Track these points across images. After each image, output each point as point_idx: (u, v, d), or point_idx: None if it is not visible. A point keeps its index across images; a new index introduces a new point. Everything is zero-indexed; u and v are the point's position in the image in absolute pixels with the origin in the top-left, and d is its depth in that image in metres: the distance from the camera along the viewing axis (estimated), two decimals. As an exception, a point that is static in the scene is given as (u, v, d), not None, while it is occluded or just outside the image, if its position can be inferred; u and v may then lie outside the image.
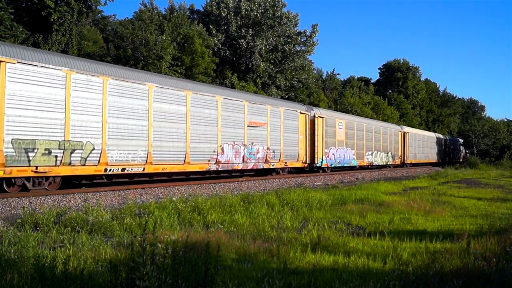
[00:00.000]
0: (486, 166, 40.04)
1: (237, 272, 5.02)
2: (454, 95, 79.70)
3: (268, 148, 18.66)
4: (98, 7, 24.09)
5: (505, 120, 63.56)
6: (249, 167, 17.76)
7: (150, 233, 4.15)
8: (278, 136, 19.56)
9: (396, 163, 34.30)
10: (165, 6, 35.05)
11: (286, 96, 35.56)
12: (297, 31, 35.69)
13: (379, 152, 30.70)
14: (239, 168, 17.21)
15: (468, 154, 56.34)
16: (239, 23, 32.82)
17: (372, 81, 65.06)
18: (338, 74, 77.12)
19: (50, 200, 10.56)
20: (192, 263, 4.04)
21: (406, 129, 37.66)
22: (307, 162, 21.67)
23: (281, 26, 33.92)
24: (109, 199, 11.38)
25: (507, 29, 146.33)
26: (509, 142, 52.40)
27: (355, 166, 27.77)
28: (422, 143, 40.81)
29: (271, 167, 19.05)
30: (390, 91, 62.60)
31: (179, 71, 25.97)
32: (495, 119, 71.53)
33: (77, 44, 24.58)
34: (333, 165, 23.94)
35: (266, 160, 18.48)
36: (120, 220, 7.82)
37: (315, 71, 45.73)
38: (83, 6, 21.12)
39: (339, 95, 48.62)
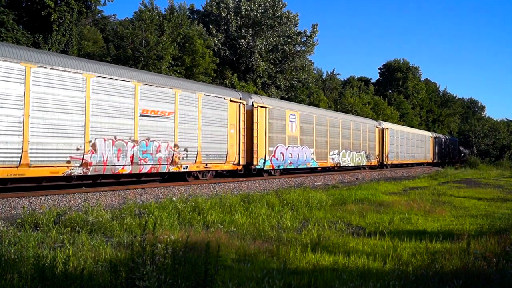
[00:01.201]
0: (486, 166, 40.03)
1: (237, 272, 5.02)
2: (454, 95, 79.82)
3: (176, 146, 14.27)
4: (98, 7, 24.14)
5: (505, 120, 63.60)
6: (144, 170, 13.28)
7: (150, 233, 4.15)
8: (194, 130, 15.09)
9: (373, 164, 30.02)
10: (165, 6, 35.08)
11: (286, 96, 35.54)
12: (297, 31, 35.70)
13: (349, 151, 26.32)
14: (125, 172, 12.87)
15: (465, 154, 54.83)
16: (239, 23, 32.82)
17: (372, 81, 65.09)
18: (338, 74, 77.22)
19: (50, 200, 10.56)
20: (192, 263, 4.04)
21: (386, 124, 33.28)
22: (242, 163, 17.24)
23: (281, 26, 33.92)
24: (109, 199, 11.38)
25: (507, 29, 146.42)
26: (509, 142, 52.40)
27: (315, 168, 23.56)
28: (407, 141, 36.65)
29: (183, 170, 14.70)
30: (390, 91, 62.61)
31: (179, 71, 25.98)
32: (495, 119, 71.53)
33: (77, 44, 24.58)
34: (281, 167, 19.74)
35: (173, 161, 14.18)
36: (120, 220, 7.82)
37: (315, 71, 45.73)
38: (83, 6, 21.13)
39: (339, 95, 48.63)
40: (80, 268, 4.47)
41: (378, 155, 30.89)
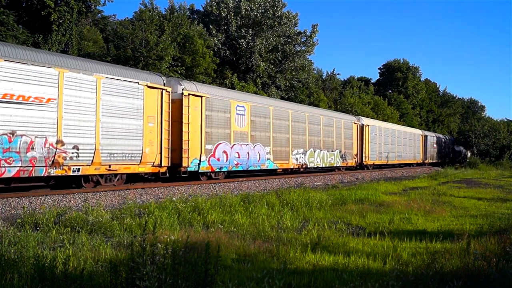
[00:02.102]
0: (486, 166, 40.04)
1: (237, 272, 5.02)
2: (454, 95, 79.80)
3: (59, 142, 11.07)
4: (97, 7, 24.13)
5: (505, 120, 63.65)
6: (8, 175, 10.18)
7: (150, 233, 4.15)
8: (90, 122, 11.89)
9: (350, 164, 26.65)
10: (165, 6, 35.08)
11: (286, 96, 35.50)
12: (297, 31, 35.72)
13: (318, 150, 22.89)
14: None
15: (460, 154, 52.42)
16: (239, 23, 32.83)
17: (372, 81, 65.08)
18: (338, 74, 77.17)
19: (50, 200, 10.56)
20: (192, 263, 4.04)
21: (366, 120, 29.63)
22: (165, 164, 13.86)
23: (281, 26, 33.92)
24: (109, 199, 11.38)
25: (507, 29, 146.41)
26: (509, 142, 52.44)
27: (274, 170, 20.39)
28: (392, 140, 33.15)
29: (72, 173, 11.52)
30: (390, 91, 62.61)
31: (179, 71, 25.99)
32: (495, 119, 71.57)
33: (77, 44, 24.59)
34: (224, 169, 16.40)
35: (54, 162, 10.98)
36: (120, 220, 7.82)
37: (315, 71, 45.76)
38: (83, 6, 21.14)
39: (339, 95, 48.62)
40: (80, 268, 4.47)
41: (356, 155, 27.29)
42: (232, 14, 32.37)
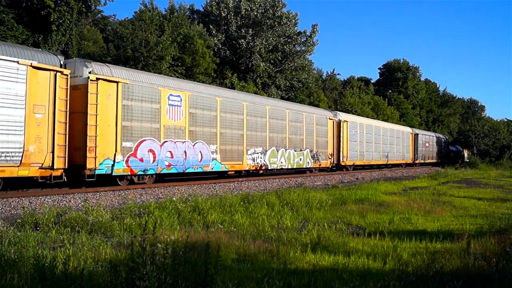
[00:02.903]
0: (486, 166, 40.05)
1: (237, 272, 5.02)
2: (454, 95, 79.81)
3: None
4: (98, 7, 24.14)
5: (505, 120, 63.74)
6: None
7: (150, 233, 4.15)
8: None
9: (323, 165, 23.47)
10: (165, 6, 35.10)
11: (286, 96, 35.52)
12: (297, 31, 35.71)
13: (283, 150, 19.99)
14: None
15: (456, 154, 49.74)
16: (239, 23, 32.83)
17: (372, 81, 65.10)
18: (338, 74, 77.21)
19: (50, 200, 10.56)
20: (192, 263, 4.04)
21: (344, 116, 26.21)
22: (60, 166, 10.99)
23: (281, 26, 33.92)
24: (109, 199, 11.38)
25: (507, 29, 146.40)
26: (509, 142, 52.51)
27: (224, 172, 16.89)
28: (376, 138, 30.16)
29: None
30: (390, 91, 62.64)
31: (179, 71, 25.99)
32: (495, 119, 71.63)
33: (77, 44, 24.61)
34: (151, 171, 13.52)
35: None
36: (120, 220, 7.83)
37: (315, 71, 45.75)
38: (83, 6, 21.14)
39: (339, 95, 48.63)
40: (80, 268, 4.47)
41: (331, 155, 24.14)
42: (232, 14, 32.38)
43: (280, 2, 33.93)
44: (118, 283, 3.87)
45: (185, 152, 14.63)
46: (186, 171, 14.73)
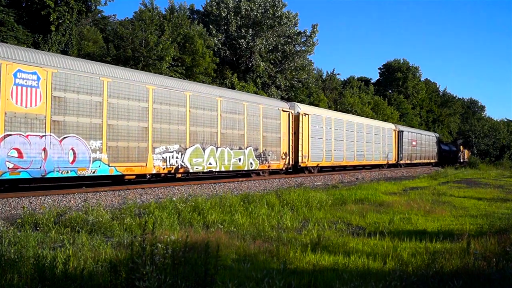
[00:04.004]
0: (486, 166, 40.03)
1: (237, 272, 5.02)
2: (454, 95, 79.85)
3: None
4: (98, 7, 24.15)
5: (505, 120, 63.71)
6: None
7: (150, 233, 4.15)
8: None
9: (274, 167, 19.28)
10: (165, 6, 35.10)
11: (287, 96, 35.54)
12: (297, 31, 35.72)
13: (212, 147, 15.78)
14: None
15: (447, 153, 46.84)
16: (239, 23, 32.83)
17: (372, 81, 65.11)
18: (338, 74, 77.16)
19: (50, 200, 10.56)
20: (192, 263, 4.04)
21: (304, 108, 21.94)
22: None
23: (281, 26, 33.94)
24: (109, 199, 11.38)
25: (507, 29, 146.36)
26: (509, 142, 52.52)
27: (116, 177, 13.07)
28: (349, 135, 26.12)
29: None
30: (390, 91, 62.65)
31: (179, 71, 25.98)
32: (495, 119, 71.56)
33: (77, 44, 24.61)
34: None
35: None
36: (120, 220, 7.82)
37: (315, 71, 45.75)
38: (83, 6, 21.15)
39: (339, 95, 48.63)
40: (80, 268, 4.46)
41: (286, 154, 19.86)
42: (232, 14, 32.38)
43: (280, 2, 33.95)
44: (118, 283, 3.87)
45: (44, 150, 10.83)
46: (48, 175, 10.95)
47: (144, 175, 13.85)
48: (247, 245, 6.45)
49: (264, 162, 18.61)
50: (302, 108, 21.65)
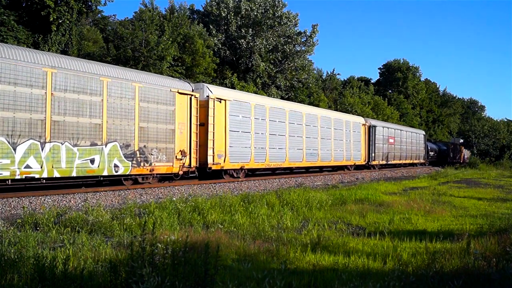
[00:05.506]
0: (486, 166, 40.03)
1: (237, 272, 5.02)
2: (454, 95, 79.84)
3: None
4: (98, 7, 24.13)
5: (505, 120, 63.76)
6: None
7: (150, 233, 4.15)
8: None
9: (163, 170, 13.86)
10: (165, 6, 35.12)
11: (286, 96, 35.54)
12: (297, 31, 35.74)
13: (32, 142, 10.39)
14: None
15: (436, 152, 42.61)
16: (239, 23, 32.84)
17: (372, 81, 65.09)
18: (338, 74, 77.12)
19: (50, 200, 10.56)
20: (192, 263, 4.04)
21: (217, 91, 16.15)
22: None
23: (281, 26, 33.95)
24: (109, 199, 11.38)
25: (507, 29, 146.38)
26: (509, 142, 52.56)
27: None
28: (293, 129, 20.31)
29: None
30: (390, 91, 62.63)
31: (179, 71, 25.99)
32: (495, 119, 71.59)
33: (77, 44, 24.62)
34: None
35: None
36: (120, 220, 7.82)
37: (315, 71, 45.75)
38: (83, 6, 21.14)
39: (339, 95, 48.63)
40: (80, 268, 4.46)
41: (183, 152, 14.34)
42: (232, 14, 32.39)
43: (280, 2, 33.96)
44: (118, 283, 3.87)
45: None
46: None
47: None
48: (247, 245, 6.45)
49: (142, 164, 13.19)
50: (214, 91, 16.01)
